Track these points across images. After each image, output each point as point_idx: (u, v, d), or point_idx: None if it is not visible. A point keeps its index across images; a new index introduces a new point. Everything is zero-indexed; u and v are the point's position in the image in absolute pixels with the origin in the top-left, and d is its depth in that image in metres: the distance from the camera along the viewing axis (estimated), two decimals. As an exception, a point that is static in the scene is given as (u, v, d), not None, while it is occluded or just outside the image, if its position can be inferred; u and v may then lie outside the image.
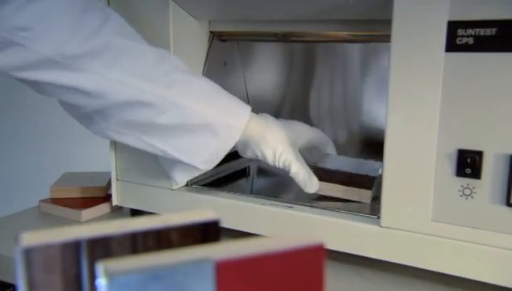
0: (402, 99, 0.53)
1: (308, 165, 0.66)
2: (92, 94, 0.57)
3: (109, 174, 0.76)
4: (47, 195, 0.83)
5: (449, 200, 0.52)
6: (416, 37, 0.51)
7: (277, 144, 0.64)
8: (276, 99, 0.88)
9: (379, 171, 0.66)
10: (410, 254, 0.55)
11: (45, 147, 1.71)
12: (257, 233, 0.64)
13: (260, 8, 0.65)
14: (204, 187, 0.72)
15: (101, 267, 0.22)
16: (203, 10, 0.70)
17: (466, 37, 0.49)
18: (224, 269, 0.23)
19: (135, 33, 0.60)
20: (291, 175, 0.65)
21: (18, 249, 0.24)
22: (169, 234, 0.27)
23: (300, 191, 0.66)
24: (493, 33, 0.48)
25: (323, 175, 0.66)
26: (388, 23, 0.52)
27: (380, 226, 0.56)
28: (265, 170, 0.83)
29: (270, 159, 0.64)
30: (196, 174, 0.66)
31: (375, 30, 0.63)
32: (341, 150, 0.76)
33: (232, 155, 0.66)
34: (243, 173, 0.82)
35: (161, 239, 0.27)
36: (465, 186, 0.51)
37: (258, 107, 0.72)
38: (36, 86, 0.58)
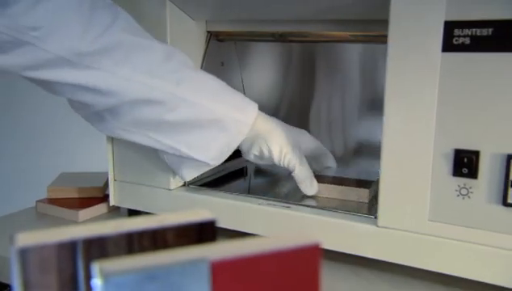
0: (399, 98, 0.53)
1: None
2: (103, 92, 0.57)
3: (106, 174, 0.76)
4: (45, 194, 0.83)
5: (446, 199, 0.52)
6: (413, 37, 0.51)
7: (284, 143, 0.64)
8: (274, 100, 0.88)
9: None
10: (407, 253, 0.55)
11: (44, 146, 1.71)
12: (254, 233, 0.64)
13: (257, 8, 0.65)
14: (201, 187, 0.72)
15: (96, 267, 0.22)
16: (201, 10, 0.70)
17: (462, 37, 0.49)
18: (220, 269, 0.23)
19: (142, 30, 0.61)
20: (293, 175, 0.65)
21: (13, 249, 0.24)
22: (165, 234, 0.27)
23: (297, 191, 0.66)
24: (490, 33, 0.48)
25: (321, 177, 0.68)
26: (386, 23, 0.52)
27: (378, 226, 0.56)
28: (262, 171, 0.83)
29: (276, 156, 0.64)
30: (205, 169, 0.66)
31: (373, 30, 0.63)
32: (338, 160, 0.77)
33: (230, 156, 0.66)
34: (240, 173, 0.82)
35: (157, 239, 0.27)
36: (462, 186, 0.51)
37: (256, 107, 0.72)
38: (47, 85, 0.58)
